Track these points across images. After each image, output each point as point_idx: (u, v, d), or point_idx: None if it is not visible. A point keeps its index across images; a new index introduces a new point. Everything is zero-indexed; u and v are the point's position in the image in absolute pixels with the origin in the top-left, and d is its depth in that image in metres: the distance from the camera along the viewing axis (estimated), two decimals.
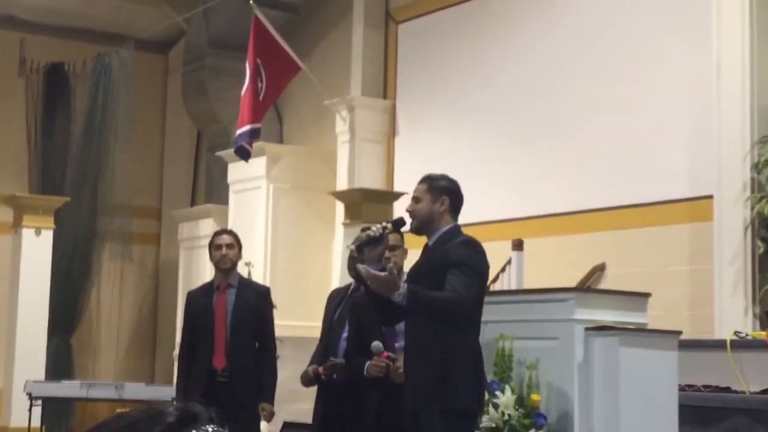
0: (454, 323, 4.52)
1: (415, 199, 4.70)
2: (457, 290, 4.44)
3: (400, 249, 5.39)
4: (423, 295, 4.40)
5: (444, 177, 4.78)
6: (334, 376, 5.50)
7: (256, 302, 6.37)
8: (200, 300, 6.44)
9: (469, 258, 4.56)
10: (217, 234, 6.51)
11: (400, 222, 4.74)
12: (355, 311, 5.47)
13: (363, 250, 4.62)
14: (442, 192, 4.70)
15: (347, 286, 5.86)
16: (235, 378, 6.17)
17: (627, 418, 4.89)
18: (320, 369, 5.58)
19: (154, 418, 1.36)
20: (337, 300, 5.82)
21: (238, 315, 6.27)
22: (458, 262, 4.52)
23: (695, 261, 7.70)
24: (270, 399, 6.20)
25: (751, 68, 7.25)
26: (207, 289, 6.50)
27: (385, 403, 5.13)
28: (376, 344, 5.03)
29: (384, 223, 4.67)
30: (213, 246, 6.42)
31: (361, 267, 4.43)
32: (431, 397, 4.51)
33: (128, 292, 13.05)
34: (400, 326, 5.14)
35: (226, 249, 6.34)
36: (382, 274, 4.35)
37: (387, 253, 5.34)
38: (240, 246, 6.47)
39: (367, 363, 5.12)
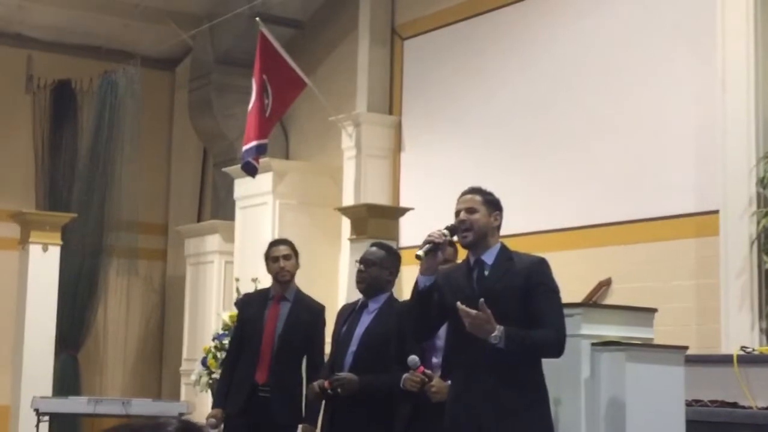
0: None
1: (471, 210, 4.51)
2: (557, 328, 4.38)
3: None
4: (520, 338, 4.28)
5: (492, 193, 4.63)
6: (339, 390, 5.50)
7: (309, 319, 6.21)
8: (253, 307, 6.30)
9: (554, 283, 4.49)
10: (272, 245, 6.35)
11: (454, 230, 4.52)
12: (399, 321, 5.42)
13: (427, 257, 4.41)
14: (496, 207, 4.57)
15: (356, 302, 5.87)
16: (276, 394, 6.08)
17: None
18: (326, 383, 5.58)
19: (157, 428, 1.42)
20: (345, 315, 5.80)
21: (287, 331, 6.13)
22: (548, 288, 4.44)
23: (701, 276, 7.70)
24: (313, 420, 6.04)
25: (756, 83, 7.26)
26: (262, 297, 6.36)
27: (416, 419, 5.08)
28: (413, 359, 4.92)
29: (442, 230, 4.45)
30: (270, 258, 6.26)
31: (459, 306, 4.27)
32: (529, 427, 4.38)
33: (135, 308, 13.07)
34: (440, 342, 5.11)
35: (283, 261, 6.21)
36: (474, 312, 4.22)
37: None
38: (297, 255, 6.31)
39: (404, 376, 5.02)
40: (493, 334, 4.23)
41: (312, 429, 6.10)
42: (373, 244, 5.87)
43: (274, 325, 6.17)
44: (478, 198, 4.56)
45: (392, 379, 5.16)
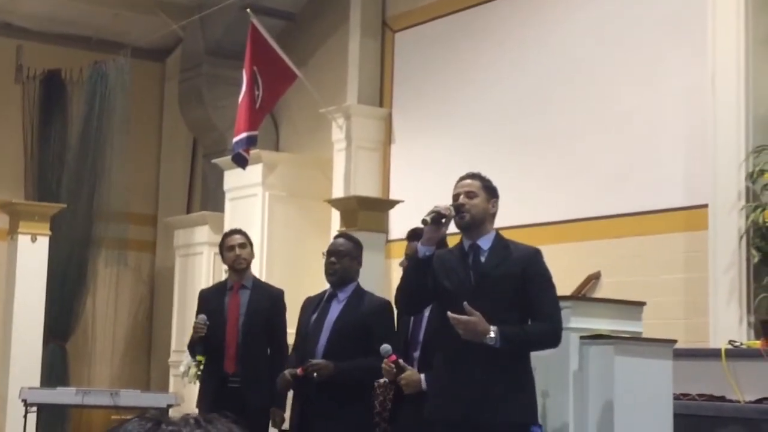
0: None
1: (470, 194, 4.57)
2: (553, 319, 4.45)
3: None
4: (516, 336, 4.35)
5: (490, 180, 4.68)
6: (315, 375, 5.48)
7: (269, 305, 6.28)
8: (212, 300, 6.35)
9: (549, 274, 4.57)
10: (227, 235, 6.44)
11: (459, 209, 4.58)
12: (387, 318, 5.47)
13: (431, 227, 4.46)
14: (494, 194, 4.63)
15: (322, 293, 5.89)
16: (246, 383, 6.11)
17: (622, 426, 4.90)
18: (299, 370, 5.56)
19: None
20: (312, 307, 5.81)
21: (250, 317, 6.18)
22: (545, 279, 4.52)
23: (690, 270, 7.71)
24: (281, 404, 6.13)
25: (746, 78, 7.27)
26: (220, 289, 6.41)
27: (396, 406, 5.11)
28: (385, 347, 4.99)
29: (449, 206, 4.53)
30: (225, 247, 6.34)
31: (450, 315, 4.30)
32: (514, 412, 4.42)
33: (124, 299, 13.04)
34: (422, 335, 5.12)
35: (239, 249, 6.28)
36: (465, 318, 4.26)
37: None
38: (251, 244, 6.41)
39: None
40: (488, 336, 4.28)
41: (281, 413, 6.14)
42: (338, 236, 5.94)
43: (236, 313, 6.23)
44: (477, 183, 4.61)
45: (369, 365, 5.18)
